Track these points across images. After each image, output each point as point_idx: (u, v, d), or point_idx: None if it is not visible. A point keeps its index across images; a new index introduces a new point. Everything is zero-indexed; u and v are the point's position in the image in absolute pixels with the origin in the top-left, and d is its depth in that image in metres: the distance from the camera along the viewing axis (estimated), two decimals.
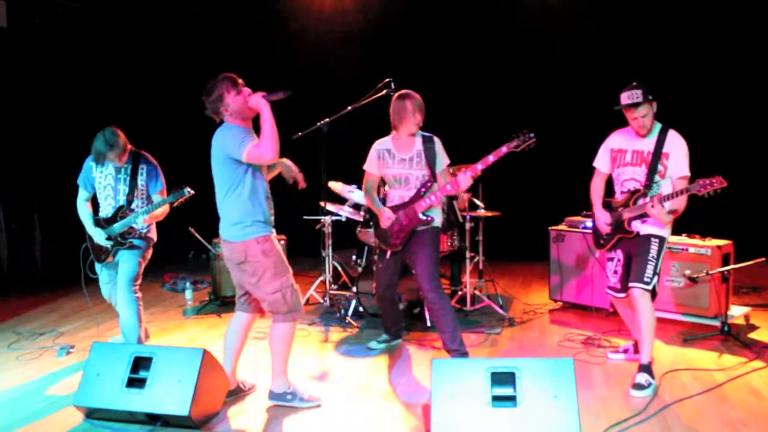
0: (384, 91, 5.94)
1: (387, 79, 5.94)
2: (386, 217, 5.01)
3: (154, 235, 5.36)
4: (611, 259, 4.89)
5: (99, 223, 5.20)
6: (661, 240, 4.61)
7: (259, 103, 4.07)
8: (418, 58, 8.95)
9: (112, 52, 8.85)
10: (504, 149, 4.64)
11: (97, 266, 5.35)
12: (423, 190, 4.96)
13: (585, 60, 8.64)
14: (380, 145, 5.16)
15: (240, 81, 4.17)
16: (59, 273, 8.38)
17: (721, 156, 7.76)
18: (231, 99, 4.11)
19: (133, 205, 5.16)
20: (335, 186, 6.51)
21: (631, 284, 4.59)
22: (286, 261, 4.35)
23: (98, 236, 5.17)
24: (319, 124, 6.19)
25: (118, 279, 5.17)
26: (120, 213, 5.13)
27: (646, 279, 4.53)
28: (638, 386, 4.45)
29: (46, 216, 8.57)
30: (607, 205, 4.85)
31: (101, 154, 5.02)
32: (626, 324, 5.17)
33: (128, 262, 5.15)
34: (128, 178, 5.17)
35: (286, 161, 4.54)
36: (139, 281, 5.22)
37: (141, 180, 5.20)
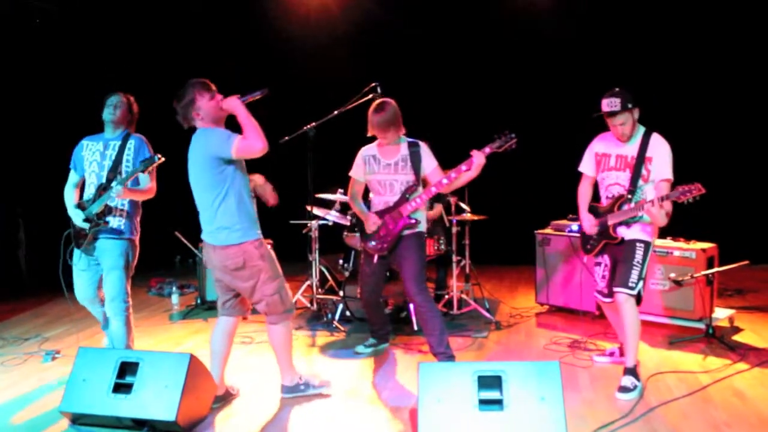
0: (370, 96, 5.94)
1: (373, 84, 5.95)
2: (372, 222, 5.04)
3: (135, 234, 4.95)
4: (599, 264, 4.91)
5: (81, 205, 4.89)
6: (647, 245, 4.63)
7: (234, 104, 4.15)
8: (404, 62, 8.98)
9: (95, 55, 8.79)
10: (486, 150, 4.72)
11: (76, 253, 4.95)
12: (408, 193, 4.99)
13: (570, 63, 8.69)
14: (366, 151, 5.19)
15: (212, 86, 4.24)
16: (44, 278, 8.31)
17: (704, 159, 7.85)
18: (203, 102, 4.17)
19: (113, 183, 4.79)
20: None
21: (615, 289, 4.61)
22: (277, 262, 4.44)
23: (76, 217, 4.86)
24: (305, 128, 6.19)
25: (105, 289, 4.88)
26: (99, 190, 4.80)
27: (630, 284, 4.55)
28: (624, 389, 4.48)
29: (31, 220, 8.51)
30: (593, 210, 4.88)
31: (106, 100, 4.93)
32: (613, 327, 5.20)
33: (113, 272, 4.82)
34: (114, 155, 4.87)
35: (258, 179, 4.54)
36: (127, 290, 4.91)
37: (127, 155, 4.86)
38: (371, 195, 5.30)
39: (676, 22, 8.37)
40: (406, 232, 5.02)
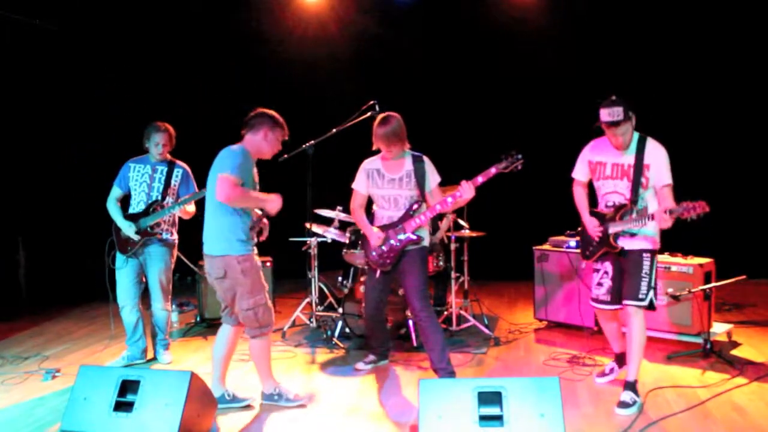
0: (368, 113, 6.00)
1: (371, 102, 5.99)
2: (376, 237, 5.05)
3: (176, 238, 5.85)
4: (597, 271, 4.89)
5: (129, 218, 5.60)
6: (653, 254, 4.66)
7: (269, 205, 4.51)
8: (402, 79, 9.02)
9: (94, 56, 8.82)
10: (492, 170, 4.75)
11: (120, 258, 5.68)
12: (412, 209, 5.02)
13: (568, 79, 8.73)
14: (369, 164, 5.20)
15: (281, 127, 4.63)
16: (44, 296, 8.32)
17: (701, 174, 7.89)
18: (262, 135, 4.54)
19: (165, 202, 5.63)
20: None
21: (625, 302, 4.63)
22: (263, 280, 4.59)
23: (128, 228, 5.55)
24: (304, 146, 6.23)
25: (158, 286, 5.70)
26: (153, 206, 5.59)
27: (640, 296, 4.57)
28: (624, 404, 4.48)
29: (30, 240, 8.51)
30: (595, 215, 4.86)
31: (152, 134, 5.60)
32: (608, 338, 5.19)
33: (168, 272, 5.75)
34: (163, 178, 5.68)
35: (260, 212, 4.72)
36: (171, 285, 5.85)
37: (174, 181, 5.72)
38: (374, 208, 5.33)
39: (669, 37, 8.44)
40: (410, 247, 5.05)
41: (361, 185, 5.23)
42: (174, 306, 7.48)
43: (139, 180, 5.68)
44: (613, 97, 4.52)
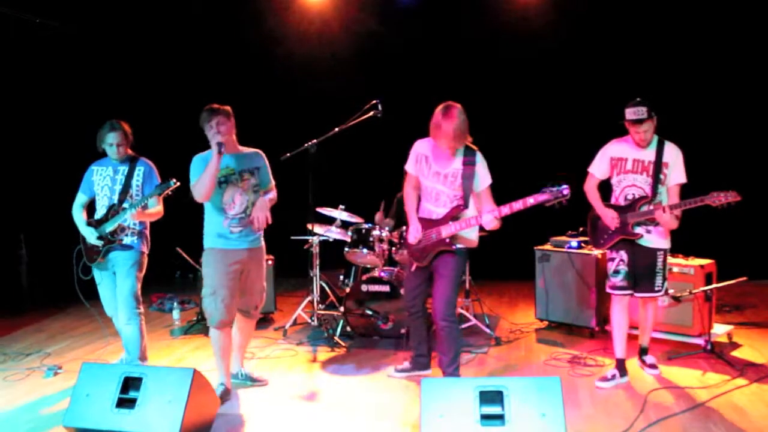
0: (371, 113, 6.01)
1: (374, 101, 6.00)
2: (414, 231, 4.89)
3: (146, 247, 5.33)
4: (612, 259, 5.15)
5: (91, 224, 5.25)
6: (665, 251, 5.10)
7: (213, 149, 4.64)
8: (405, 79, 9.02)
9: (96, 70, 8.85)
10: (531, 201, 4.57)
11: (94, 271, 5.33)
12: (452, 213, 4.81)
13: (571, 80, 8.74)
14: (421, 147, 4.95)
15: (213, 118, 4.68)
16: (46, 293, 8.33)
17: (701, 175, 7.89)
18: (205, 129, 4.73)
19: (124, 204, 5.15)
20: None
21: (643, 295, 5.13)
22: (222, 274, 4.75)
23: (90, 235, 5.21)
24: (306, 145, 6.24)
25: (118, 296, 5.19)
26: (111, 211, 5.16)
27: (656, 288, 5.08)
28: (653, 365, 5.26)
29: (32, 236, 8.52)
30: (608, 206, 5.14)
31: (104, 135, 5.19)
32: (614, 337, 5.19)
33: (126, 280, 5.16)
34: (124, 179, 5.23)
35: (259, 205, 4.86)
36: (139, 297, 5.24)
37: (137, 180, 5.23)
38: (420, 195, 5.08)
39: (661, 38, 8.44)
40: (445, 250, 4.84)
41: (411, 167, 4.98)
42: (175, 304, 7.50)
43: (101, 183, 5.31)
44: (638, 99, 4.89)
